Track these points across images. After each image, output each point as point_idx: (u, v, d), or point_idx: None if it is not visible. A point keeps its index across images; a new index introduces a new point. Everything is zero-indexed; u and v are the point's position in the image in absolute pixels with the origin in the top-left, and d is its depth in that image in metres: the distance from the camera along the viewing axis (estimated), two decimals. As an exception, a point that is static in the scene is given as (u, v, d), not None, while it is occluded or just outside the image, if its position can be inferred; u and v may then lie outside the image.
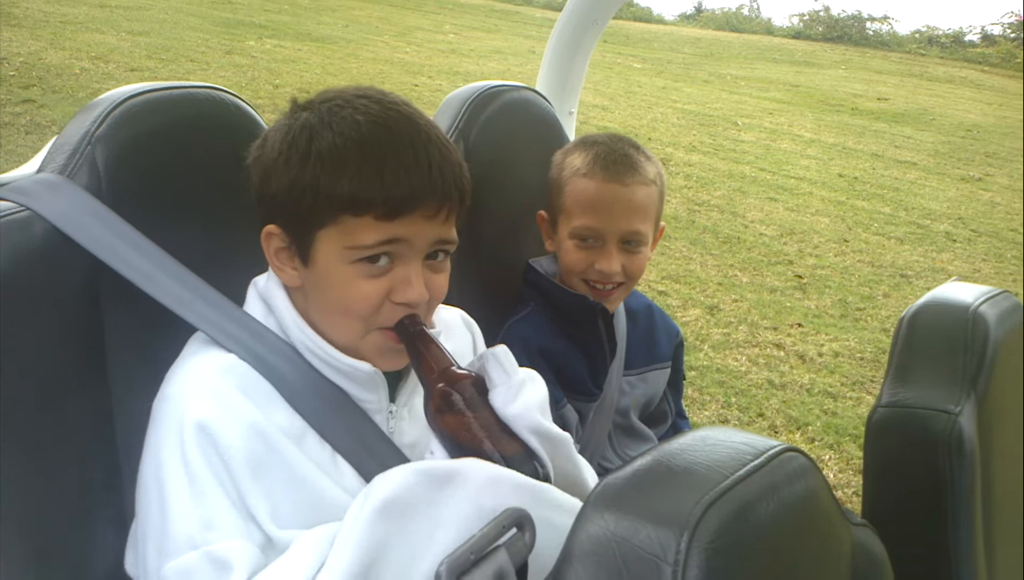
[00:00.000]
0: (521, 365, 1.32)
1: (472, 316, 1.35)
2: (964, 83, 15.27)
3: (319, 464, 1.06)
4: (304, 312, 1.13)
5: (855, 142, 9.70)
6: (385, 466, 1.04)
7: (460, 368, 1.07)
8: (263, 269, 1.17)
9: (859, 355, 4.27)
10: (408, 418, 1.17)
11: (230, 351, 1.09)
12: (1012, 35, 20.74)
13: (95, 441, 1.13)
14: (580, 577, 0.62)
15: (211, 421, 1.00)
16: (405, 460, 1.10)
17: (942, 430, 1.08)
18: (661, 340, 1.72)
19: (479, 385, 1.06)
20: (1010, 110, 12.98)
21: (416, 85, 9.61)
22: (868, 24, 19.97)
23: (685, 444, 0.70)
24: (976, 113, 12.44)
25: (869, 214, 6.87)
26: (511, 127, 1.66)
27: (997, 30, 21.22)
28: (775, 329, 4.48)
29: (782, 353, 4.22)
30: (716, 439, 0.71)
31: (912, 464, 1.08)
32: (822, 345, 4.34)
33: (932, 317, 1.22)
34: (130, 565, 1.11)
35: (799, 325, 4.55)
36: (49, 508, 1.07)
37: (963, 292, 1.26)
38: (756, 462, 0.69)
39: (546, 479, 1.02)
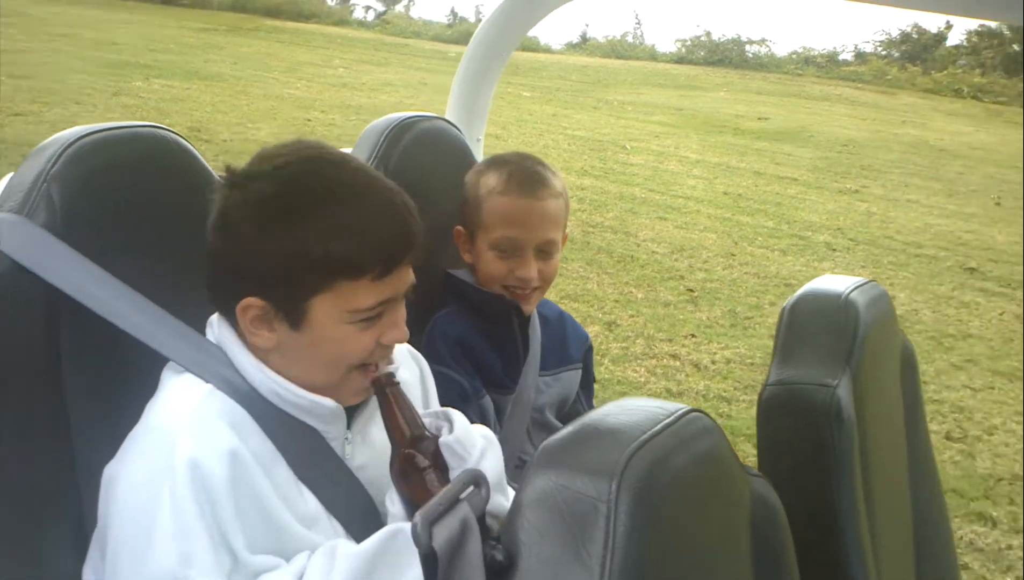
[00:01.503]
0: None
1: None
2: (839, 100, 15.98)
3: (286, 491, 1.11)
4: (264, 359, 1.16)
5: (738, 161, 10.09)
6: (342, 489, 1.15)
7: (427, 433, 1.15)
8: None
9: (749, 361, 4.50)
10: (361, 443, 1.23)
11: (207, 381, 1.13)
12: (883, 52, 21.78)
13: (54, 463, 1.18)
14: (530, 521, 0.74)
15: (201, 458, 1.03)
16: (360, 485, 1.19)
17: (823, 402, 1.23)
18: (572, 344, 1.86)
19: (440, 455, 1.13)
20: (883, 124, 13.64)
21: (309, 120, 9.65)
22: (747, 47, 20.69)
23: (607, 410, 0.83)
24: (852, 128, 13.04)
25: (753, 229, 7.18)
26: (425, 154, 1.77)
27: (869, 48, 22.30)
28: (670, 341, 4.68)
29: (678, 363, 4.41)
30: (633, 405, 0.84)
31: (799, 433, 1.23)
32: (715, 353, 4.55)
33: (809, 305, 1.39)
34: (88, 577, 1.15)
35: (693, 336, 4.76)
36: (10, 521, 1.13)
37: (836, 283, 1.42)
38: (668, 421, 0.82)
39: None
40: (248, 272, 1.12)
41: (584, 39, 22.81)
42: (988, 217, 8.37)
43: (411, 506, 1.12)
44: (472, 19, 25.40)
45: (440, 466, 1.13)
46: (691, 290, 5.53)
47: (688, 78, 17.70)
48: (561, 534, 0.72)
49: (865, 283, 1.45)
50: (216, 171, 1.30)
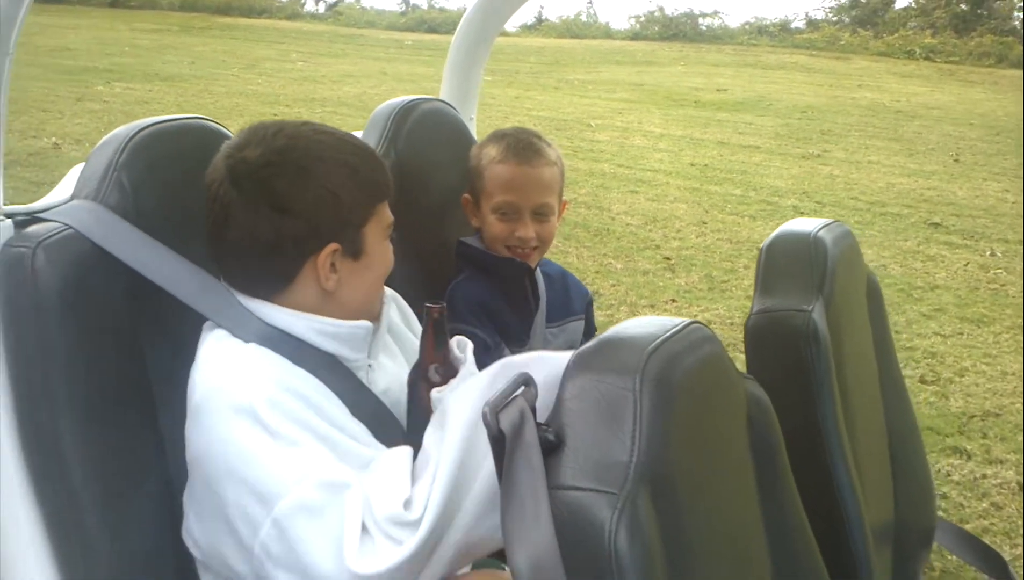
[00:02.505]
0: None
1: (412, 290, 1.62)
2: (795, 68, 16.23)
3: (338, 414, 1.25)
4: (304, 307, 1.31)
5: (701, 132, 10.27)
6: (372, 413, 1.29)
7: (449, 360, 1.36)
8: None
9: (729, 321, 4.67)
10: (379, 369, 1.39)
11: (248, 342, 1.26)
12: (834, 18, 22.08)
13: (142, 432, 1.31)
14: (572, 410, 0.89)
15: (273, 393, 1.17)
16: (386, 408, 1.34)
17: (801, 325, 1.39)
18: (574, 298, 2.02)
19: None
20: (840, 89, 13.89)
21: (275, 114, 9.71)
22: (700, 20, 20.95)
23: (625, 325, 0.99)
24: (809, 95, 13.26)
25: (722, 197, 7.35)
26: (429, 133, 1.93)
27: (820, 15, 22.61)
28: (652, 306, 4.84)
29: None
30: (645, 321, 1.00)
31: (781, 353, 1.38)
32: (696, 316, 4.71)
33: (784, 244, 1.55)
34: (187, 535, 1.27)
35: (673, 301, 4.93)
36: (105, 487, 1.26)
37: (806, 224, 1.58)
38: (675, 330, 0.97)
39: None
40: (326, 223, 1.28)
41: (539, 20, 22.96)
42: (948, 174, 8.60)
43: (419, 412, 1.32)
44: (424, 5, 25.49)
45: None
46: (668, 258, 5.69)
47: (645, 54, 17.89)
48: (598, 418, 0.88)
49: (831, 223, 1.61)
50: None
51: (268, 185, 1.26)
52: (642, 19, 21.28)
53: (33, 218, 1.29)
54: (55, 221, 1.26)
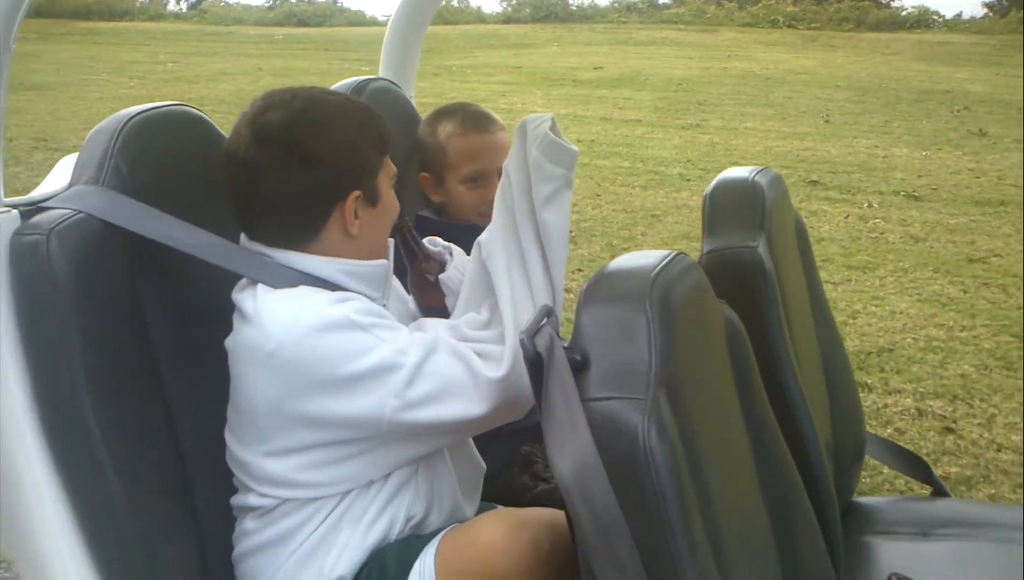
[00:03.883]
0: None
1: None
2: (665, 43, 16.66)
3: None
4: (328, 253, 1.41)
5: (584, 110, 10.50)
6: None
7: (433, 256, 1.59)
8: None
9: (635, 286, 4.87)
10: (393, 300, 1.53)
11: (290, 285, 1.36)
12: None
13: (147, 400, 1.37)
14: (592, 332, 1.01)
15: (335, 309, 1.30)
16: None
17: (749, 259, 1.53)
18: None
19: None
20: (710, 61, 14.34)
21: (155, 117, 9.52)
22: (570, 1, 21.28)
23: (624, 259, 1.12)
24: (682, 68, 13.66)
25: (612, 170, 7.57)
26: (382, 112, 2.00)
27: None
28: (560, 277, 5.00)
29: (572, 296, 4.73)
30: (639, 255, 1.13)
31: (733, 287, 1.50)
32: (603, 283, 4.91)
33: (725, 189, 1.69)
34: (242, 498, 1.40)
35: (579, 270, 5.09)
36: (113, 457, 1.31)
37: (742, 171, 1.73)
38: (668, 259, 1.10)
39: None
40: (348, 172, 1.39)
41: (410, 9, 22.85)
42: (820, 134, 9.03)
43: (427, 311, 1.57)
44: (293, -1, 25.15)
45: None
46: (569, 231, 5.85)
47: (519, 36, 18.08)
48: (617, 336, 1.00)
49: (763, 169, 1.76)
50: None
51: (295, 141, 1.36)
52: (513, 2, 21.47)
53: (38, 208, 1.33)
54: (63, 208, 1.31)
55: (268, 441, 1.33)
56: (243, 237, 1.42)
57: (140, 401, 1.35)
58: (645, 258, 1.10)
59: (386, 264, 1.47)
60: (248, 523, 1.40)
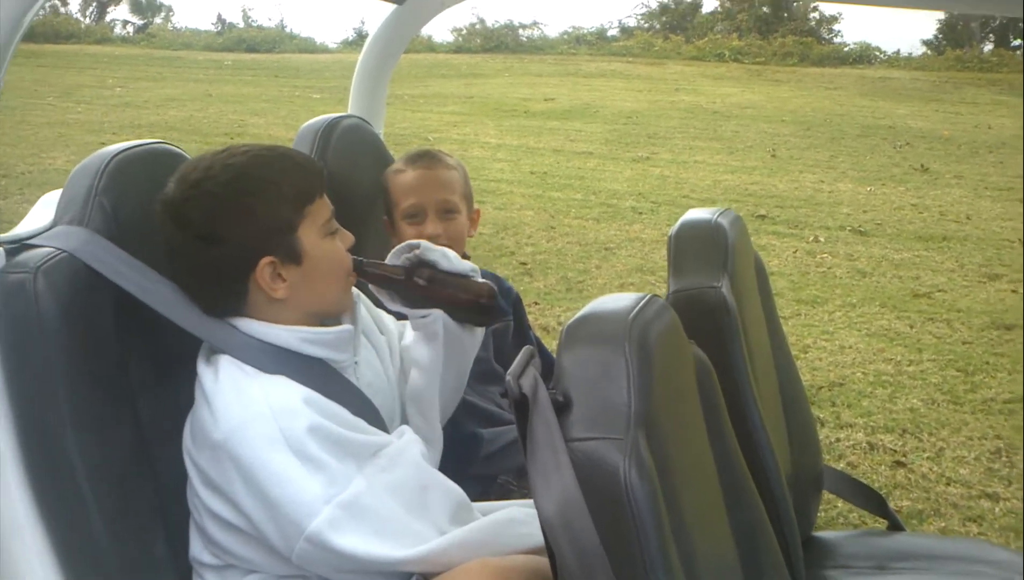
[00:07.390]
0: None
1: None
2: (614, 75, 16.86)
3: (346, 417, 1.37)
4: (278, 320, 1.40)
5: (536, 141, 10.60)
6: (359, 409, 1.41)
7: (410, 264, 1.55)
8: None
9: (589, 318, 4.91)
10: (364, 365, 1.51)
11: (249, 363, 1.35)
12: (646, 25, 23.01)
13: (127, 446, 1.38)
14: (574, 374, 1.04)
15: (297, 419, 1.29)
16: (371, 403, 1.47)
17: (712, 299, 1.58)
18: (503, 298, 2.14)
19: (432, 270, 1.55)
20: (659, 94, 14.55)
21: (103, 143, 9.28)
22: (521, 31, 21.46)
23: (600, 301, 1.16)
24: (631, 101, 13.84)
25: (565, 202, 7.65)
26: (353, 148, 2.04)
27: (633, 22, 23.53)
28: (515, 310, 5.03)
29: (552, 336, 4.76)
30: (614, 298, 1.16)
31: (700, 325, 1.55)
32: (559, 316, 4.93)
33: (689, 230, 1.74)
34: (197, 553, 1.39)
35: (536, 303, 5.12)
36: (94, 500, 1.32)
37: (703, 213, 1.79)
38: (643, 302, 1.14)
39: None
40: (252, 241, 1.37)
41: (360, 35, 22.91)
42: (767, 169, 9.21)
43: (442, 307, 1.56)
44: (241, 24, 25.06)
45: (437, 279, 1.54)
46: (524, 263, 5.90)
47: (469, 66, 18.17)
48: (598, 376, 1.04)
49: (725, 210, 1.81)
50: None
51: (188, 218, 1.36)
52: (464, 32, 21.60)
53: (23, 245, 1.34)
54: (48, 246, 1.32)
55: (212, 510, 1.35)
56: None
57: (123, 441, 1.36)
58: (621, 301, 1.14)
59: (351, 330, 1.47)
60: (207, 576, 1.40)
